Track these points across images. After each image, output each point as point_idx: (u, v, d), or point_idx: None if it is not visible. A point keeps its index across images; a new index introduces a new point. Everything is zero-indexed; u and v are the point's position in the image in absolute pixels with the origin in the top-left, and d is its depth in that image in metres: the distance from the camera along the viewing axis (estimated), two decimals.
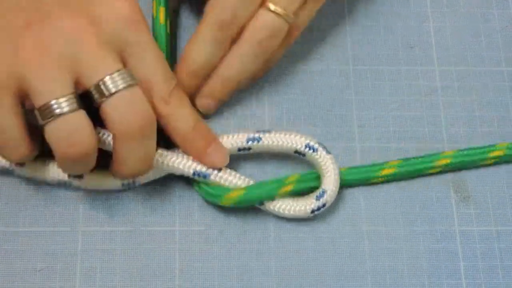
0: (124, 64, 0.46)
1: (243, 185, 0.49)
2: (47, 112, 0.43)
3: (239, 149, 0.50)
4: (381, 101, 0.55)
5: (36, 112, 0.44)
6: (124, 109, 0.44)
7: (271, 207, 0.50)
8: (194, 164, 0.49)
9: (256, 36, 0.50)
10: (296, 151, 0.50)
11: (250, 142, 0.50)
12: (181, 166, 0.49)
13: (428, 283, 0.50)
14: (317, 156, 0.50)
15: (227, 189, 0.49)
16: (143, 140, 0.45)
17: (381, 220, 0.51)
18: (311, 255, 0.50)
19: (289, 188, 0.50)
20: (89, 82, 0.44)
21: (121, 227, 0.50)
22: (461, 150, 0.52)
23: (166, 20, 0.52)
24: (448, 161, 0.52)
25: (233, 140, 0.50)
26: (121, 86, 0.44)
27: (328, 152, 0.50)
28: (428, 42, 0.57)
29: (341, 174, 0.50)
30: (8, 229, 0.49)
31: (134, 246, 0.49)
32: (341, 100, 0.55)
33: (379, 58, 0.56)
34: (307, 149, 0.50)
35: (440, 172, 0.53)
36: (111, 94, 0.44)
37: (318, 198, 0.49)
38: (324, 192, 0.49)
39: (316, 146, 0.50)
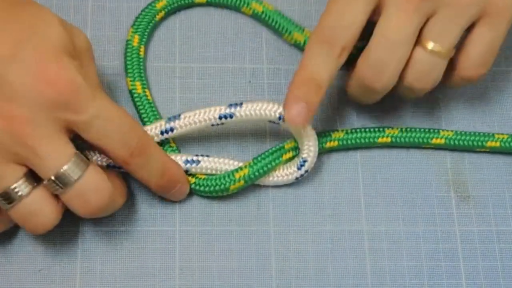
0: (77, 137, 0.44)
1: (230, 168, 0.50)
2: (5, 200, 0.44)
3: (212, 125, 0.50)
4: (382, 99, 0.55)
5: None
6: (82, 198, 0.44)
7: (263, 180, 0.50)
8: None
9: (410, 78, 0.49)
10: (271, 121, 0.50)
11: (223, 119, 0.50)
12: None
13: (428, 283, 0.50)
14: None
15: (228, 177, 0.49)
16: (108, 210, 0.46)
17: (381, 220, 0.51)
18: (311, 255, 0.50)
19: (290, 155, 0.50)
20: (44, 177, 0.43)
21: (121, 227, 0.50)
22: (460, 133, 0.53)
23: (144, 89, 0.52)
24: (444, 141, 0.52)
25: (206, 116, 0.49)
26: (75, 177, 0.43)
27: None
28: None
29: (340, 139, 0.52)
30: (8, 229, 0.49)
31: (134, 246, 0.49)
32: (341, 100, 0.55)
33: None
34: (281, 119, 0.49)
35: (435, 149, 0.53)
36: (68, 186, 0.43)
37: (299, 168, 0.50)
38: (304, 161, 0.50)
39: None
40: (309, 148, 0.50)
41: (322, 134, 0.52)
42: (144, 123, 0.51)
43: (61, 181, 0.43)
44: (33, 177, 0.44)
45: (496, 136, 0.53)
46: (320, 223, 0.51)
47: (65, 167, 0.43)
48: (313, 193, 0.52)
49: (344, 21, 0.48)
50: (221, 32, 0.55)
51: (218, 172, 0.50)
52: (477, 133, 0.53)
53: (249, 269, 0.49)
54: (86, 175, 0.44)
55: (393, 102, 0.54)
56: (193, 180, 0.50)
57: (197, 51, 0.55)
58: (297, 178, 0.51)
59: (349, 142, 0.52)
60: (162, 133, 0.49)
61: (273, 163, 0.50)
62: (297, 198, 0.51)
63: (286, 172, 0.50)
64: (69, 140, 0.44)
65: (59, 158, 0.43)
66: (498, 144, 0.53)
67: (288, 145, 0.51)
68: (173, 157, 0.49)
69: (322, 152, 0.52)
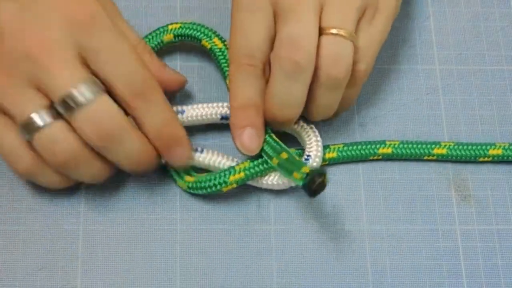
0: (87, 68, 0.45)
1: (228, 163, 0.50)
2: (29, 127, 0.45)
3: (222, 117, 0.51)
4: (382, 100, 0.55)
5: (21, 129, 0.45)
6: (92, 122, 0.44)
7: (263, 182, 0.50)
8: None
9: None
10: None
11: (223, 120, 0.51)
12: (163, 161, 0.49)
13: (429, 282, 0.50)
14: (294, 126, 0.51)
15: (223, 176, 0.49)
16: (117, 144, 0.46)
17: (382, 219, 0.51)
18: (311, 254, 0.50)
19: (285, 155, 0.50)
20: (54, 96, 0.44)
21: (122, 225, 0.50)
22: (461, 144, 0.53)
23: None
24: (446, 151, 0.52)
25: (209, 114, 0.51)
26: (86, 99, 0.44)
27: (305, 120, 0.51)
28: (429, 41, 0.57)
29: (340, 150, 0.52)
30: (9, 227, 0.49)
31: (135, 245, 0.49)
32: (343, 120, 0.54)
33: (380, 57, 0.56)
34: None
35: (437, 161, 0.53)
36: (78, 108, 0.44)
37: (304, 164, 0.49)
38: (308, 156, 0.50)
39: None
40: (312, 144, 0.50)
41: None
42: None
43: (72, 102, 0.44)
44: (56, 112, 0.45)
45: (498, 144, 0.53)
46: (321, 222, 0.51)
47: (76, 88, 0.44)
48: None
49: (252, 40, 0.49)
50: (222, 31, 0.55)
51: (213, 164, 0.50)
52: (478, 143, 0.53)
53: (250, 268, 0.49)
54: (98, 100, 0.44)
55: (394, 119, 0.55)
56: (191, 179, 0.50)
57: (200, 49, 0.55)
58: None
59: (349, 153, 0.52)
60: None
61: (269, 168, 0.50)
62: (297, 197, 0.51)
63: None
64: (83, 65, 0.45)
65: (71, 78, 0.44)
66: (500, 151, 0.53)
67: (292, 150, 0.51)
68: None
69: (323, 163, 0.52)
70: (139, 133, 0.47)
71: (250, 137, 0.49)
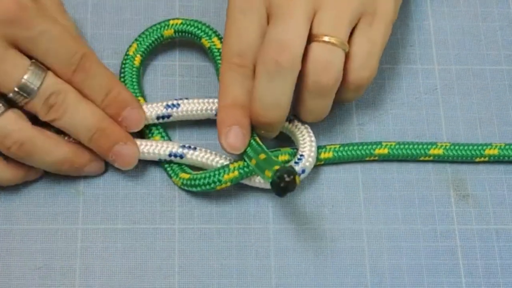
0: (25, 55, 0.47)
1: (221, 161, 0.50)
2: None
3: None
4: (381, 100, 0.55)
5: None
6: (46, 98, 0.47)
7: (256, 181, 0.50)
8: (170, 147, 0.50)
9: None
10: None
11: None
12: (156, 151, 0.50)
13: (427, 282, 0.50)
14: (289, 125, 0.51)
15: (218, 175, 0.49)
16: (73, 111, 0.47)
17: (381, 219, 0.51)
18: (310, 253, 0.50)
19: (286, 157, 0.50)
20: (7, 91, 0.46)
21: (121, 225, 0.50)
22: (458, 144, 0.53)
23: (140, 64, 0.53)
24: (442, 152, 0.52)
25: (203, 109, 0.51)
26: (37, 84, 0.46)
27: (300, 120, 0.51)
28: (428, 40, 0.57)
29: (335, 150, 0.52)
30: (7, 227, 0.49)
31: (134, 244, 0.49)
32: (341, 121, 0.54)
33: None
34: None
35: (433, 162, 0.53)
36: (32, 94, 0.46)
37: (297, 163, 0.50)
38: (302, 156, 0.50)
39: (291, 117, 0.51)
40: (306, 144, 0.50)
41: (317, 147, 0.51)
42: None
43: (25, 91, 0.46)
44: (7, 103, 0.47)
45: (494, 144, 0.53)
46: (319, 221, 0.51)
47: (25, 77, 0.46)
48: (313, 191, 0.52)
49: (245, 41, 0.49)
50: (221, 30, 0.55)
51: (206, 161, 0.50)
52: (474, 143, 0.53)
53: (248, 267, 0.49)
54: (46, 81, 0.47)
55: (393, 119, 0.54)
56: (186, 176, 0.50)
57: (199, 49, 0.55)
58: None
59: (345, 153, 0.52)
60: (158, 118, 0.51)
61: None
62: (296, 196, 0.51)
63: None
64: (21, 54, 0.46)
65: (17, 70, 0.46)
66: (496, 151, 0.53)
67: (285, 149, 0.51)
68: (159, 144, 0.50)
69: (318, 163, 0.52)
70: (89, 102, 0.48)
71: (236, 136, 0.49)
